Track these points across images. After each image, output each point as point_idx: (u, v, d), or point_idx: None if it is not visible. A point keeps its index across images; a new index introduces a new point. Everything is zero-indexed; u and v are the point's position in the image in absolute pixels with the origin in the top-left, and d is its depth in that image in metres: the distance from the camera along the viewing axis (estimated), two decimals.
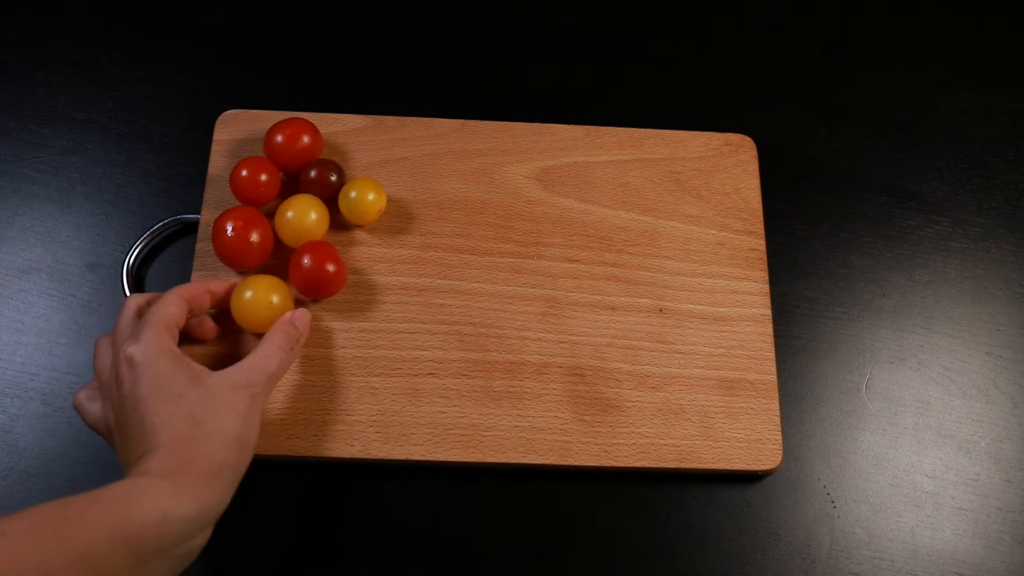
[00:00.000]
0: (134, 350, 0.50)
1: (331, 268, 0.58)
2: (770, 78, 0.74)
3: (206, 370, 0.51)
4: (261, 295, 0.57)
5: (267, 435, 0.56)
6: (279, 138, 0.62)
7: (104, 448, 0.58)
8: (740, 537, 0.58)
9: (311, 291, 0.59)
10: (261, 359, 0.53)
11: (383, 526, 0.57)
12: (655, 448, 0.58)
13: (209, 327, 0.58)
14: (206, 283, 0.57)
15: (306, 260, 0.58)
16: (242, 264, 0.59)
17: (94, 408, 0.53)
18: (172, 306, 0.53)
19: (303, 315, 0.57)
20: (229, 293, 0.58)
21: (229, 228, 0.58)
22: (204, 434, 0.48)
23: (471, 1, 0.76)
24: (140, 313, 0.54)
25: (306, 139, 0.62)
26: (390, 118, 0.67)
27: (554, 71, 0.73)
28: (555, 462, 0.57)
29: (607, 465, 0.57)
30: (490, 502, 0.58)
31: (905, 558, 0.58)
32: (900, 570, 0.58)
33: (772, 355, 0.61)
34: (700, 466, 0.58)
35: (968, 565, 0.58)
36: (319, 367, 0.58)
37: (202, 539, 0.47)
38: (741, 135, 0.68)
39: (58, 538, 0.41)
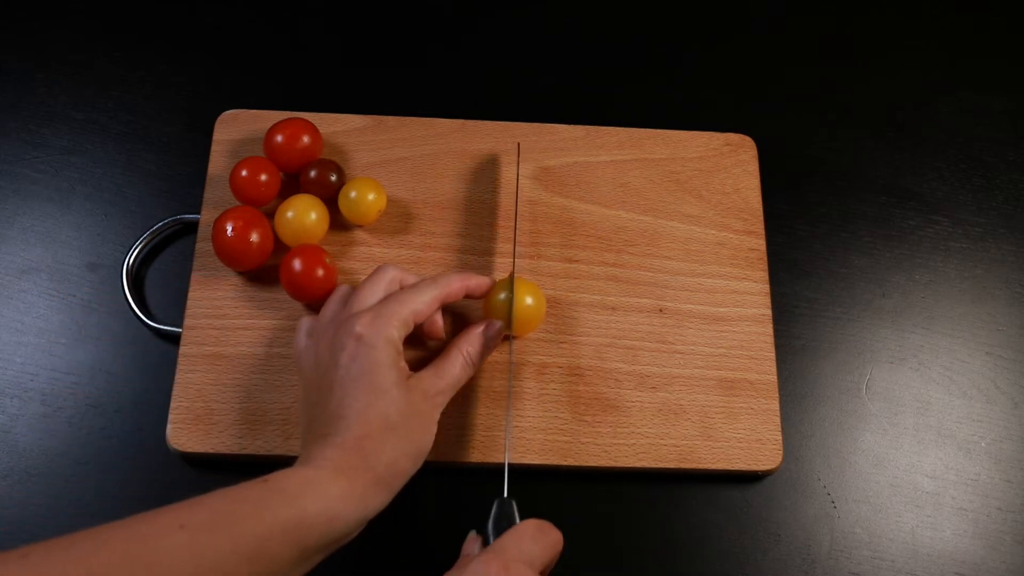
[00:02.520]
0: (365, 328, 0.50)
1: (320, 273, 0.58)
2: (770, 78, 0.74)
3: (408, 372, 0.51)
4: (519, 297, 0.57)
5: (267, 436, 0.56)
6: (279, 138, 0.62)
7: (104, 449, 0.58)
8: (740, 537, 0.58)
9: (298, 295, 0.59)
10: (446, 366, 0.53)
11: (383, 527, 0.57)
12: (655, 448, 0.58)
13: (438, 328, 0.58)
14: (466, 280, 0.56)
15: (296, 264, 0.58)
16: (242, 264, 0.59)
17: (307, 342, 0.54)
18: (422, 304, 0.53)
19: (494, 328, 0.56)
20: (485, 289, 0.57)
21: (229, 228, 0.58)
22: (394, 439, 0.48)
23: (471, 1, 0.76)
24: (391, 285, 0.54)
25: (306, 139, 0.62)
26: (390, 118, 0.67)
27: (554, 71, 0.73)
28: (555, 462, 0.57)
29: (607, 465, 0.57)
30: (490, 502, 0.58)
31: (905, 558, 0.58)
32: (900, 570, 0.58)
33: (772, 355, 0.61)
34: (700, 466, 0.58)
35: (968, 565, 0.58)
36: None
37: (356, 533, 0.48)
38: (741, 135, 0.68)
39: (233, 535, 0.41)
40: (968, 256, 0.68)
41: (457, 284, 0.55)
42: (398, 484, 0.49)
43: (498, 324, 0.56)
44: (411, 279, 0.56)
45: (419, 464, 0.50)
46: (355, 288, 0.55)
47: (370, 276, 0.55)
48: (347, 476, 0.46)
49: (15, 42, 0.70)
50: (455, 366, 0.53)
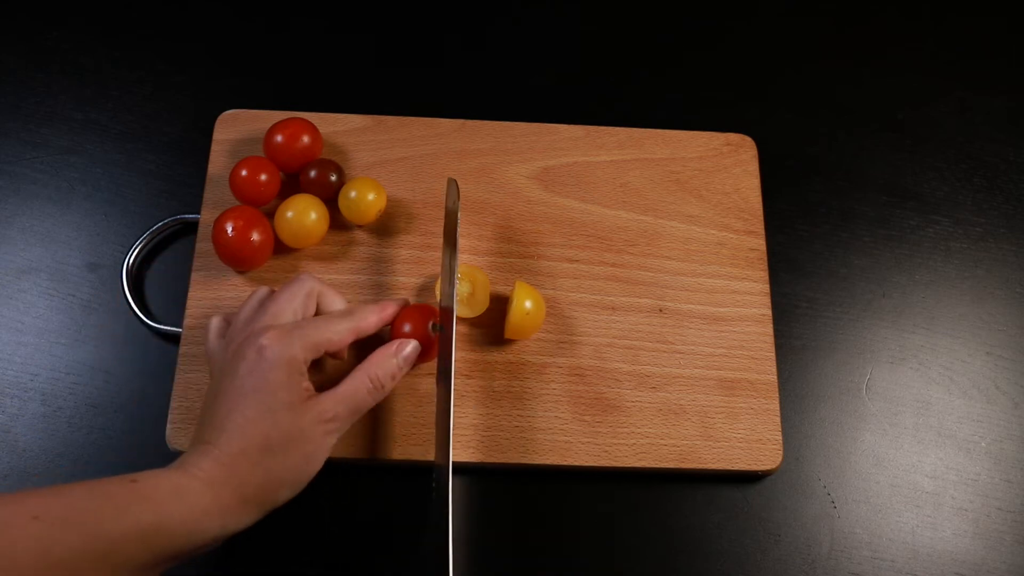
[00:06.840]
0: (271, 344, 0.48)
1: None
2: (770, 78, 0.74)
3: (309, 393, 0.49)
4: (518, 302, 0.57)
5: None
6: (279, 138, 0.62)
7: (104, 449, 0.58)
8: (740, 537, 0.58)
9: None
10: (349, 391, 0.50)
11: (383, 526, 0.57)
12: (655, 448, 0.58)
13: (342, 351, 0.54)
14: (383, 312, 0.54)
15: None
16: (242, 264, 0.59)
17: (217, 344, 0.52)
18: (336, 335, 0.51)
19: (411, 349, 0.53)
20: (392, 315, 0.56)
21: (229, 228, 0.58)
22: (270, 462, 0.47)
23: (471, 1, 0.76)
24: (308, 299, 0.53)
25: (306, 139, 0.62)
26: (390, 118, 0.67)
27: (554, 71, 0.73)
28: (555, 462, 0.57)
29: (607, 465, 0.57)
30: (490, 502, 0.58)
31: (905, 558, 0.58)
32: (900, 570, 0.58)
33: (772, 355, 0.61)
34: (700, 466, 0.58)
35: (968, 565, 0.58)
36: (319, 368, 0.58)
37: (216, 545, 0.47)
38: (741, 135, 0.68)
39: (86, 534, 0.41)
40: (968, 256, 0.68)
41: (374, 319, 0.54)
42: (268, 507, 0.48)
43: (411, 345, 0.53)
44: (330, 295, 0.54)
45: (296, 491, 0.48)
46: (273, 293, 0.53)
47: (289, 284, 0.53)
48: (216, 491, 0.45)
49: (15, 42, 0.70)
50: (359, 391, 0.50)
